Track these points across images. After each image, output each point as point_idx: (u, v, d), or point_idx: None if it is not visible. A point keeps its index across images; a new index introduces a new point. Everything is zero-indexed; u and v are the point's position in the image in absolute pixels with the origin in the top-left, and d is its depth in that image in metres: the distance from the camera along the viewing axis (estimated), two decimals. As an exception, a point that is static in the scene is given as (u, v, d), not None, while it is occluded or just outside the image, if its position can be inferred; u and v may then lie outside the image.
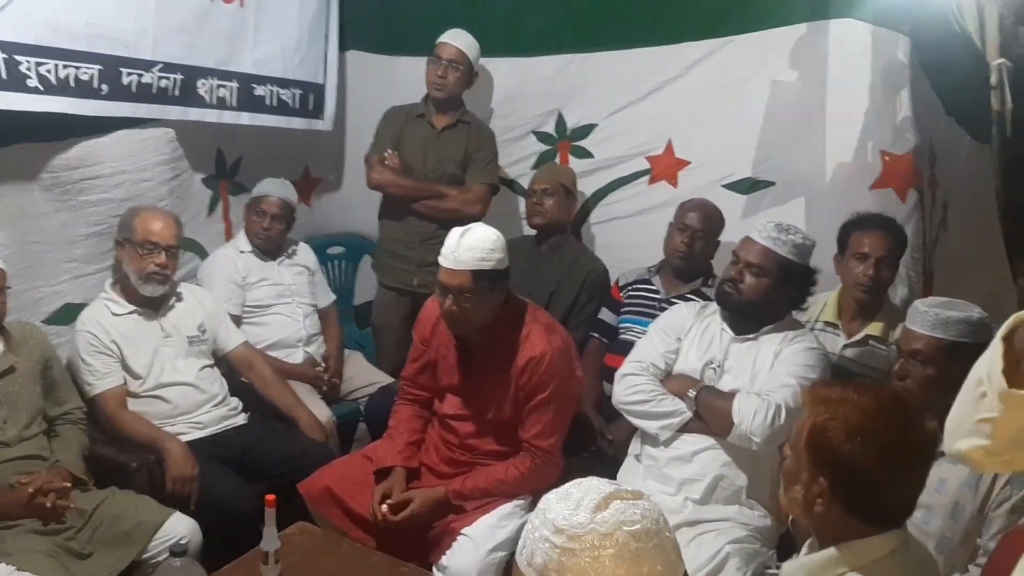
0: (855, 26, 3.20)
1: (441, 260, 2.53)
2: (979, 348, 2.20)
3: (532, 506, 2.70)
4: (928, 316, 2.25)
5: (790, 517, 2.15)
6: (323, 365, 3.57)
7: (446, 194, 3.59)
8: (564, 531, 1.14)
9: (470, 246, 2.49)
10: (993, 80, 4.20)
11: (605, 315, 3.42)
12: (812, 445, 1.54)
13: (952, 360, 2.19)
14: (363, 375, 3.63)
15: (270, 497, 2.26)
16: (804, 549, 1.65)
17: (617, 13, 3.56)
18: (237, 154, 3.71)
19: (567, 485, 1.22)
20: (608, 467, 2.85)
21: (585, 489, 1.19)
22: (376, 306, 3.87)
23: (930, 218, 3.41)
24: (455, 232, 2.53)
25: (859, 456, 1.48)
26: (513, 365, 2.60)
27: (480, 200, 3.56)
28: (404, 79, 3.82)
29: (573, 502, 1.17)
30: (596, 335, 3.40)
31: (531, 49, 3.74)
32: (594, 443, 3.17)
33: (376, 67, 4.08)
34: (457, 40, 3.59)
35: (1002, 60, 4.24)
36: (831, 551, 1.54)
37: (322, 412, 3.29)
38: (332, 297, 3.76)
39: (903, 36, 3.17)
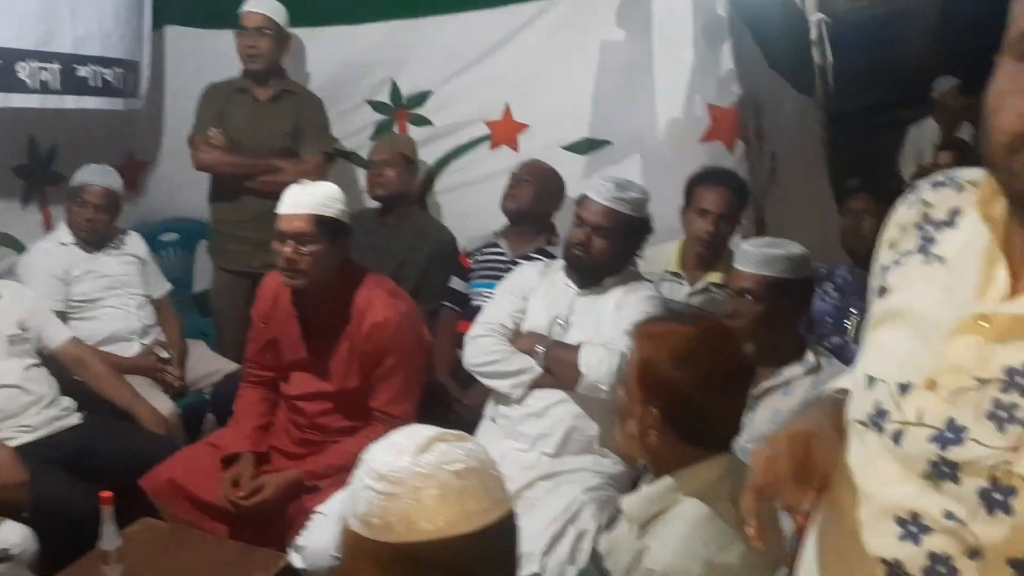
0: None
1: (280, 211, 2.51)
2: (801, 283, 2.36)
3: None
4: (753, 255, 2.34)
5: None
6: (166, 355, 3.40)
7: (280, 167, 3.46)
8: (386, 476, 1.12)
9: (311, 192, 2.50)
10: (813, 35, 4.42)
11: (456, 283, 3.40)
12: (642, 378, 1.57)
13: (778, 295, 2.29)
14: (206, 364, 3.49)
15: (105, 494, 2.16)
16: (643, 484, 1.68)
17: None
18: (52, 141, 3.48)
19: (392, 434, 1.19)
20: (467, 433, 2.83)
21: (408, 435, 1.17)
22: (215, 291, 3.72)
23: (759, 168, 3.54)
24: (295, 185, 2.53)
25: (686, 382, 1.53)
26: (357, 333, 2.56)
27: (318, 170, 3.46)
28: (225, 53, 3.66)
29: (395, 448, 1.15)
30: (448, 304, 3.38)
31: (359, 17, 3.65)
32: (451, 410, 3.16)
33: (196, 42, 3.89)
34: (260, 6, 3.46)
35: (821, 16, 4.47)
36: (666, 480, 1.58)
37: (164, 405, 3.13)
38: (167, 286, 3.58)
39: (722, -10, 3.27)
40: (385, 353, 2.56)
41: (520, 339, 2.69)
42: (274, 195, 3.41)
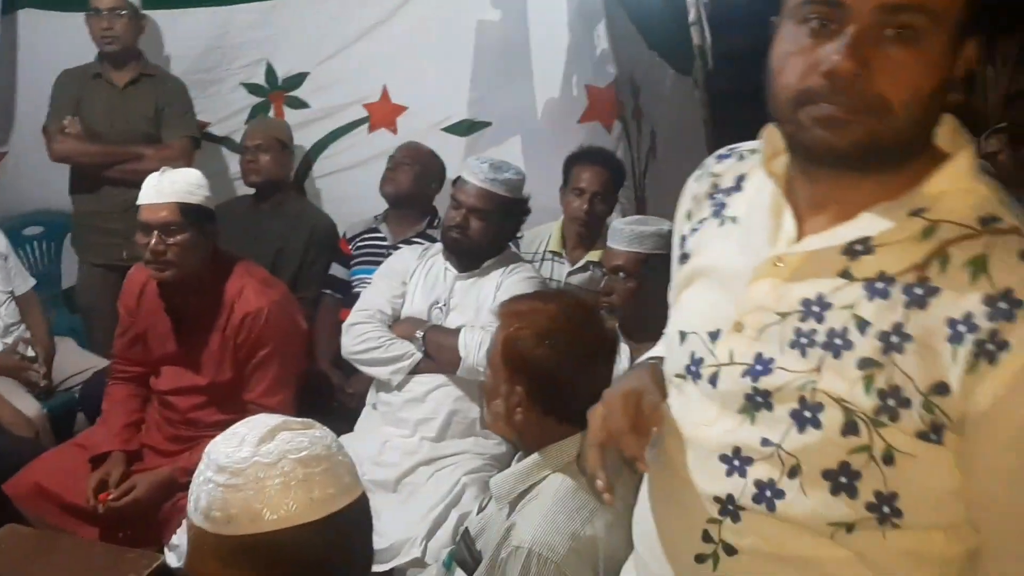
0: None
1: (142, 200, 2.41)
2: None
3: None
4: (624, 233, 2.36)
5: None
6: (31, 354, 3.22)
7: (143, 155, 3.31)
8: (226, 468, 1.08)
9: (173, 180, 2.40)
10: (692, 16, 4.49)
11: (336, 270, 3.34)
12: (507, 356, 1.57)
13: (649, 271, 2.32)
14: (75, 362, 3.32)
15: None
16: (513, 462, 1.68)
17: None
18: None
19: (234, 425, 1.15)
20: (351, 422, 2.79)
21: (251, 425, 1.14)
22: (82, 286, 3.54)
23: (637, 147, 3.58)
24: (154, 174, 2.42)
25: (549, 358, 1.54)
26: (229, 324, 2.49)
27: (182, 155, 3.33)
28: (83, 37, 3.47)
29: (237, 439, 1.11)
30: (329, 291, 3.32)
31: (232, -4, 3.53)
32: (335, 399, 3.11)
33: (54, 25, 3.68)
34: None
35: (699, -4, 4.54)
36: (534, 457, 1.58)
37: (29, 406, 2.98)
38: (31, 282, 3.39)
39: (596, -30, 3.28)
40: (258, 343, 2.49)
41: (399, 325, 2.66)
42: (138, 184, 3.26)
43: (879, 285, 0.95)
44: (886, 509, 0.95)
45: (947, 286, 0.92)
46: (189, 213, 2.38)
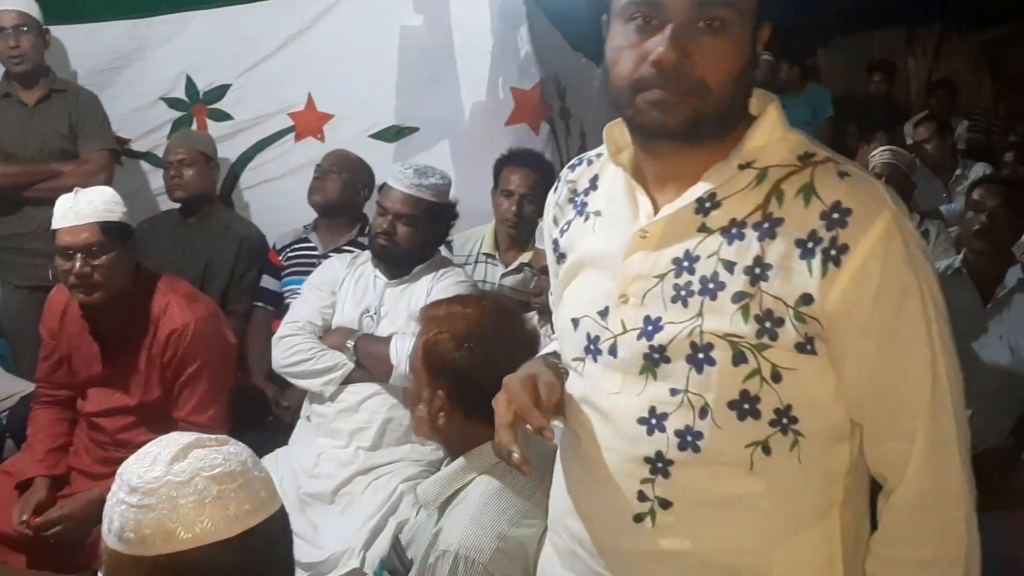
0: None
1: (58, 224, 2.34)
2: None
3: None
4: None
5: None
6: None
7: (61, 172, 3.23)
8: (139, 489, 1.07)
9: (90, 200, 2.35)
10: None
11: (268, 282, 3.30)
12: (428, 361, 1.58)
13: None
14: (1, 387, 3.24)
15: None
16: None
17: (231, -35, 3.41)
18: None
19: (147, 445, 1.13)
20: (286, 435, 2.76)
21: (163, 444, 1.12)
22: (6, 309, 3.43)
23: (566, 147, 3.61)
24: (65, 196, 2.35)
25: (469, 361, 1.56)
26: (155, 342, 2.45)
27: (103, 168, 3.26)
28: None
29: (149, 459, 1.10)
30: (261, 304, 3.28)
31: (146, 9, 3.47)
32: (270, 413, 3.07)
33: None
34: (11, 2, 3.22)
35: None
36: (460, 461, 1.58)
37: (-49, 434, 2.90)
38: (-49, 305, 3.31)
39: (516, -26, 3.30)
40: (186, 360, 2.45)
41: (329, 335, 2.64)
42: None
43: (733, 230, 1.09)
44: (785, 420, 1.09)
45: (788, 215, 1.08)
46: (111, 232, 2.34)
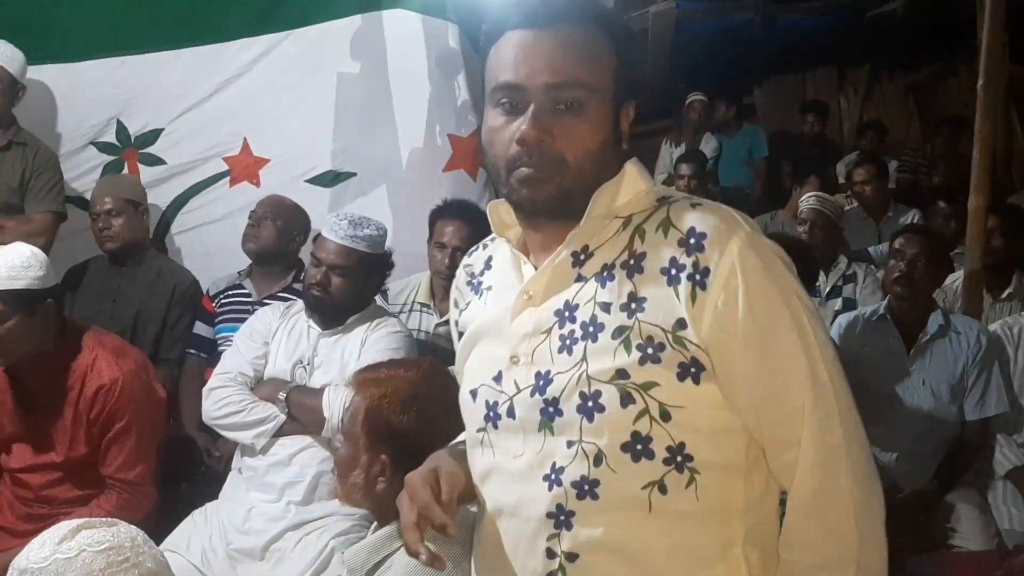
0: (406, 16, 3.34)
1: None
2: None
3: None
4: None
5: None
6: None
7: (2, 226, 3.17)
8: (27, 570, 1.12)
9: None
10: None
11: (201, 328, 3.25)
12: (369, 426, 1.58)
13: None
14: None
15: None
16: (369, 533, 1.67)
17: (162, 11, 3.40)
18: None
19: (41, 533, 1.18)
20: (219, 486, 2.72)
21: (54, 529, 1.19)
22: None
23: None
24: None
25: (414, 425, 1.58)
26: (81, 398, 2.41)
27: (44, 231, 3.20)
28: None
29: (40, 542, 1.20)
30: (194, 351, 3.23)
31: (77, 53, 3.43)
32: (203, 464, 3.02)
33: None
34: None
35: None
36: (388, 528, 1.57)
37: None
38: None
39: (452, 24, 3.34)
40: (114, 417, 2.42)
41: (261, 387, 2.61)
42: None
43: (605, 273, 1.16)
44: (679, 457, 1.12)
45: (650, 248, 1.15)
46: (13, 300, 2.29)
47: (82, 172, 3.57)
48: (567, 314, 1.16)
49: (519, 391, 1.18)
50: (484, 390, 1.23)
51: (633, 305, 1.13)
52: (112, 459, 2.45)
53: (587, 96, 1.14)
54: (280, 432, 2.54)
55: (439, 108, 3.39)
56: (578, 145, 1.14)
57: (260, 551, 2.43)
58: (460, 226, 2.95)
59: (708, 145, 6.04)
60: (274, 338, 2.68)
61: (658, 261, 1.14)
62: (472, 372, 1.27)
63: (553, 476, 1.15)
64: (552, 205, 1.15)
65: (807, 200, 3.91)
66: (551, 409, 1.15)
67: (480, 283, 1.32)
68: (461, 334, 1.33)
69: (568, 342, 1.15)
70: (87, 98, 3.50)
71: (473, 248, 1.39)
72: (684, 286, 1.11)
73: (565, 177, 1.14)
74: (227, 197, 3.56)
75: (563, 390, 1.14)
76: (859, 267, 3.87)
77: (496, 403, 1.21)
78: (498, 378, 1.21)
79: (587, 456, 1.13)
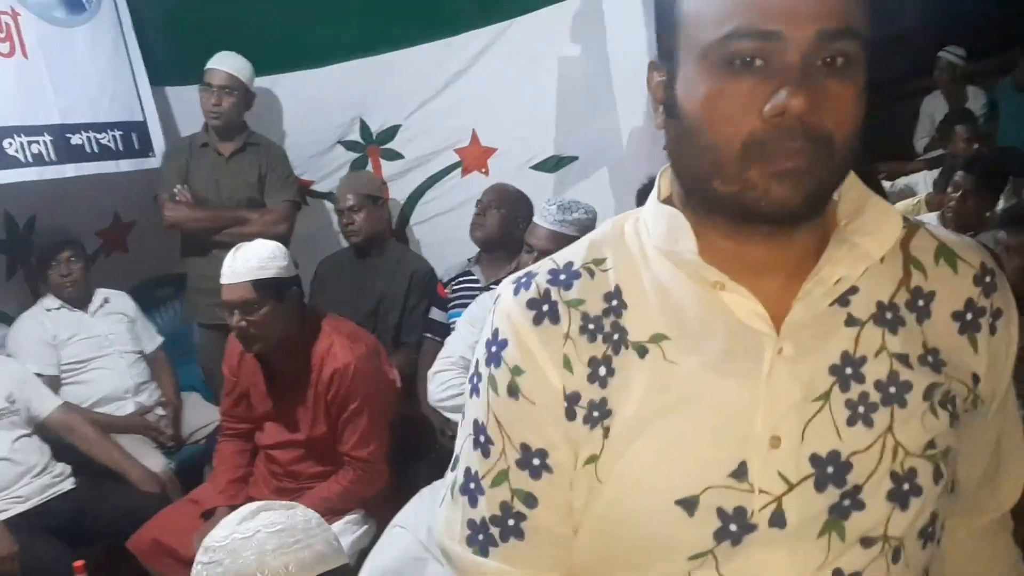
0: None
1: (221, 281, 2.52)
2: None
3: (365, 520, 2.68)
4: None
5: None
6: (161, 412, 3.47)
7: (247, 219, 3.49)
8: (209, 548, 1.22)
9: (246, 257, 2.50)
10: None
11: (435, 314, 3.41)
12: None
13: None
14: (201, 415, 3.54)
15: (77, 564, 2.22)
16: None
17: (394, 11, 3.55)
18: (29, 213, 3.55)
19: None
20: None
21: (240, 509, 1.26)
22: (199, 346, 3.74)
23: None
24: (229, 254, 2.54)
25: None
26: (319, 381, 2.58)
27: (284, 219, 3.50)
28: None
29: (223, 522, 1.25)
30: (430, 335, 3.39)
31: (317, 60, 3.69)
32: (437, 443, 3.16)
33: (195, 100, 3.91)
34: (225, 64, 3.49)
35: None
36: None
37: (155, 463, 3.19)
38: (158, 340, 3.64)
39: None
40: (348, 398, 2.57)
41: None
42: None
43: (888, 315, 0.87)
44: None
45: (938, 286, 0.89)
46: (265, 288, 2.48)
47: (332, 170, 3.85)
48: (849, 371, 0.84)
49: (791, 487, 0.83)
50: (713, 495, 0.83)
51: (931, 358, 0.87)
52: (347, 438, 2.61)
53: (857, 50, 0.78)
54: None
55: (660, 84, 3.29)
56: (848, 122, 0.79)
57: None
58: None
59: (976, 102, 5.44)
60: (493, 323, 2.73)
61: (951, 302, 0.88)
62: (668, 472, 0.84)
63: None
64: (807, 210, 0.80)
65: None
66: (847, 502, 0.83)
67: (620, 331, 0.87)
68: (603, 414, 0.86)
69: (863, 409, 0.84)
70: (332, 101, 3.75)
71: (556, 274, 0.90)
72: (983, 333, 0.89)
73: (827, 167, 0.79)
74: (460, 187, 3.69)
75: (870, 475, 0.83)
76: None
77: (743, 510, 0.83)
78: (741, 472, 0.83)
79: (885, 555, 0.85)
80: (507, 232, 3.28)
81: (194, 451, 3.49)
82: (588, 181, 3.40)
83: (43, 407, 3.06)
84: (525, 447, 0.87)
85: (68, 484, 3.01)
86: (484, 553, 0.91)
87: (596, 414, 0.86)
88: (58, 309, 3.38)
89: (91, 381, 3.36)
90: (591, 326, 0.87)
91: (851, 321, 0.85)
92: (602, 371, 0.86)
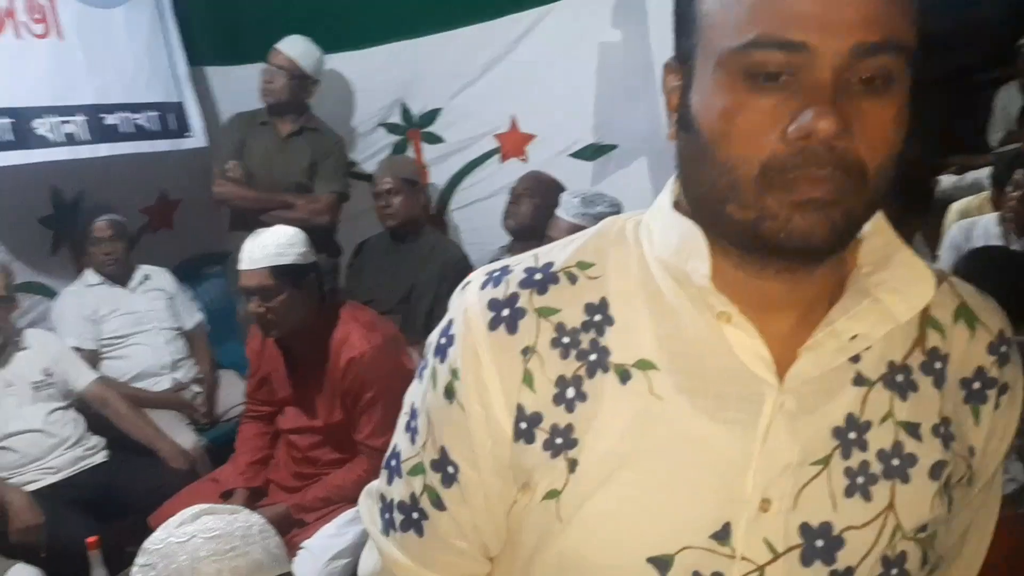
0: None
1: (239, 266, 2.53)
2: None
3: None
4: None
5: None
6: (197, 389, 3.53)
7: (293, 204, 3.50)
8: (146, 550, 1.20)
9: (263, 244, 2.50)
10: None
11: (469, 302, 3.37)
12: None
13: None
14: (235, 393, 3.59)
15: (90, 540, 2.25)
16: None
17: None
18: (77, 189, 3.63)
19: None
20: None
21: (184, 511, 1.25)
22: (242, 322, 3.79)
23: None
24: (248, 239, 2.54)
25: None
26: (336, 369, 2.58)
27: (328, 209, 3.50)
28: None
29: (165, 524, 1.23)
30: (463, 322, 3.36)
31: (362, 41, 3.68)
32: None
33: (236, 79, 3.93)
34: (287, 47, 3.51)
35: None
36: None
37: (187, 439, 3.24)
38: (197, 317, 3.70)
39: (717, -20, 3.11)
40: (363, 387, 2.56)
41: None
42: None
43: (899, 378, 0.77)
44: None
45: (952, 348, 0.80)
46: (283, 274, 2.48)
47: (374, 152, 3.85)
48: (853, 435, 0.76)
49: (776, 556, 0.74)
50: (691, 557, 0.74)
51: (943, 428, 0.78)
52: (363, 427, 2.60)
53: (898, 66, 0.67)
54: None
55: (702, 73, 3.19)
56: (883, 148, 0.68)
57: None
58: None
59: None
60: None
61: (962, 368, 0.80)
62: (641, 525, 0.75)
63: None
64: (831, 247, 0.70)
65: None
66: None
67: (597, 349, 0.77)
68: (566, 443, 0.76)
69: (862, 480, 0.75)
70: (375, 82, 3.75)
71: (531, 272, 0.80)
72: (988, 407, 0.80)
73: (857, 198, 0.68)
74: (498, 174, 3.65)
75: (864, 556, 0.75)
76: None
77: None
78: (724, 535, 0.74)
79: None
80: (540, 221, 3.20)
81: (227, 428, 3.53)
82: (626, 171, 3.33)
83: (79, 381, 3.13)
84: (444, 452, 0.82)
85: (100, 457, 3.08)
86: (385, 532, 0.89)
87: (559, 441, 0.76)
88: (99, 284, 3.46)
89: (129, 356, 3.44)
90: (565, 339, 0.77)
91: (859, 380, 0.76)
92: (570, 393, 0.77)
